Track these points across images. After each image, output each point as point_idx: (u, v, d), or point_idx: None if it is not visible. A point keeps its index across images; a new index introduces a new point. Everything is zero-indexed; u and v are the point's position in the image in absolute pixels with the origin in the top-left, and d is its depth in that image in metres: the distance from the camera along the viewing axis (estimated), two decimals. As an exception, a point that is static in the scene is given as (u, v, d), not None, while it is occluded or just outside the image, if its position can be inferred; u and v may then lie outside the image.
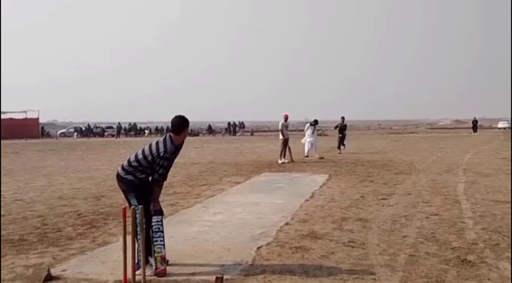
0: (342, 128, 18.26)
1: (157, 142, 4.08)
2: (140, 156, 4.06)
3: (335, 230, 5.38)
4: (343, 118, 18.61)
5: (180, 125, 4.10)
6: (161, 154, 3.96)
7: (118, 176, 4.17)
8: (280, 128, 14.83)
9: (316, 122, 16.51)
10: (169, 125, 4.15)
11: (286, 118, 14.80)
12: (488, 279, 3.72)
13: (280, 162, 13.99)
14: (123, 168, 4.14)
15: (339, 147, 18.02)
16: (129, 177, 4.08)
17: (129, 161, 4.13)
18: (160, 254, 3.95)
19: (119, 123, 49.71)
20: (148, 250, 3.99)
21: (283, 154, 14.27)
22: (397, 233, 5.21)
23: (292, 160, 14.26)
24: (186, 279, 3.80)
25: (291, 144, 14.74)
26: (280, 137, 14.66)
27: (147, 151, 4.05)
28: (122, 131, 48.05)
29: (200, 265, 4.15)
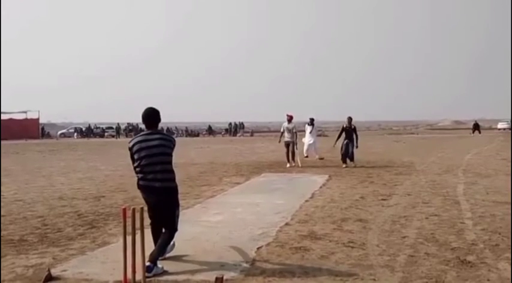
0: (347, 131, 12.97)
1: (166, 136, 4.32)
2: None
3: (335, 231, 5.39)
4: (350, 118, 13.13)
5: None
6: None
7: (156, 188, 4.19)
8: (281, 130, 13.67)
9: (312, 120, 15.86)
10: (145, 122, 4.27)
11: (288, 119, 13.30)
12: (488, 280, 3.73)
13: (287, 166, 12.90)
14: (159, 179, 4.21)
15: (344, 160, 12.76)
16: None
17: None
18: None
19: (118, 123, 49.87)
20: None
21: (288, 157, 13.15)
22: (397, 234, 5.22)
23: (297, 166, 12.87)
24: (186, 279, 3.81)
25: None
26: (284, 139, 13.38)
27: (166, 148, 4.15)
28: (122, 131, 48.09)
29: (200, 265, 4.16)
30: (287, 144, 13.26)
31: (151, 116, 4.19)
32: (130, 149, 4.16)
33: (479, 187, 8.58)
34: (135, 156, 4.12)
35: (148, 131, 4.19)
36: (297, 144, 13.39)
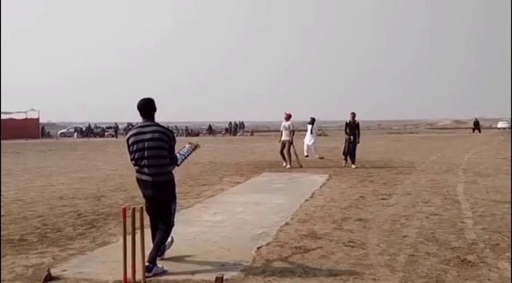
0: (351, 126, 12.93)
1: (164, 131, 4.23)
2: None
3: (335, 230, 5.39)
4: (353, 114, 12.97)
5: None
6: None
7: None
8: (280, 129, 13.34)
9: (313, 119, 15.76)
10: (141, 113, 4.24)
11: (286, 118, 12.96)
12: (488, 279, 3.72)
13: (288, 167, 12.53)
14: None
15: (346, 158, 12.95)
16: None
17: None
18: None
19: (116, 123, 50.08)
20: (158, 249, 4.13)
21: (283, 157, 12.86)
22: (397, 233, 5.22)
23: (290, 166, 12.55)
24: (186, 279, 3.81)
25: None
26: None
27: (159, 142, 4.10)
28: (122, 131, 48.17)
29: (200, 265, 4.16)
30: (283, 143, 12.89)
31: (146, 105, 4.14)
32: (127, 141, 4.15)
33: (479, 187, 8.58)
34: (131, 149, 4.10)
35: (144, 123, 4.14)
36: (293, 143, 12.93)
